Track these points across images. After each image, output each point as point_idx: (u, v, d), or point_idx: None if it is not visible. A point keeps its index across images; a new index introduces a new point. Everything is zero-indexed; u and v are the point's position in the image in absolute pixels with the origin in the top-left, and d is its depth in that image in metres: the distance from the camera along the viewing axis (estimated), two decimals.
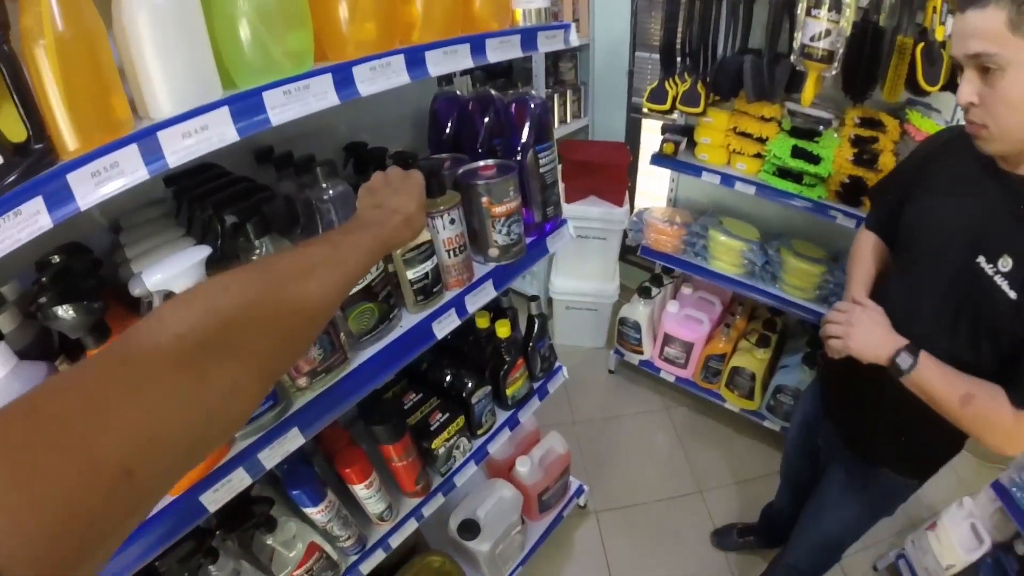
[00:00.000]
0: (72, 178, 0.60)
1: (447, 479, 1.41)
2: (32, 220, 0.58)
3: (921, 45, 1.44)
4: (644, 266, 2.87)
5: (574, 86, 2.75)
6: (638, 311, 2.44)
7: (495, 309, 1.50)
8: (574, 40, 1.07)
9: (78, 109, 0.61)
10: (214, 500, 0.85)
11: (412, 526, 1.37)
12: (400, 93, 0.95)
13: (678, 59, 1.82)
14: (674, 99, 1.84)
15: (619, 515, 2.16)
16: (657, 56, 1.90)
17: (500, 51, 0.94)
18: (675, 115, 2.04)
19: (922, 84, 1.45)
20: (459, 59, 0.89)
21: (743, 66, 1.65)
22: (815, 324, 1.99)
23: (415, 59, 0.84)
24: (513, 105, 1.22)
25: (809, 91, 1.55)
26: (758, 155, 1.83)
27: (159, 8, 0.64)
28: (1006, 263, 0.97)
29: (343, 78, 0.78)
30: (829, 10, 1.42)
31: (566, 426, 2.47)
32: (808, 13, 1.45)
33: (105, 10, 0.64)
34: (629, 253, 2.70)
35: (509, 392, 1.50)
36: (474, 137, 1.29)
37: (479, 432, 1.46)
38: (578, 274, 2.69)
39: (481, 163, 1.18)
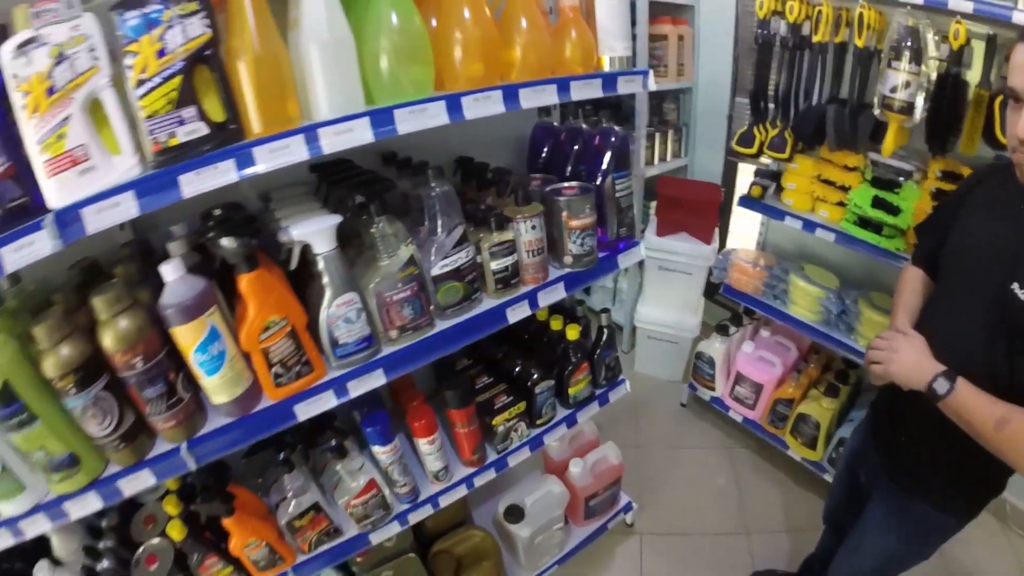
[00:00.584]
0: (256, 151, 0.89)
1: (501, 457, 1.62)
2: (224, 174, 0.89)
3: (1000, 97, 1.48)
4: (730, 307, 2.97)
5: (676, 126, 2.94)
6: (714, 347, 2.56)
7: (569, 315, 1.71)
8: (651, 85, 1.28)
9: (264, 106, 0.91)
10: (304, 411, 1.13)
11: (462, 491, 1.58)
12: (505, 119, 1.20)
13: (770, 106, 1.97)
14: (761, 144, 1.99)
15: (663, 540, 2.26)
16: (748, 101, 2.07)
17: (583, 91, 1.18)
18: (767, 160, 2.18)
19: (1000, 137, 1.49)
20: (547, 96, 1.13)
21: (826, 115, 1.78)
22: None
23: (510, 94, 1.09)
24: (597, 137, 1.45)
25: (890, 142, 1.65)
26: (840, 203, 1.93)
27: (324, 42, 0.93)
28: None
29: (453, 105, 1.04)
30: (909, 62, 1.53)
31: (630, 448, 2.59)
32: (889, 65, 1.56)
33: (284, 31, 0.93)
34: (716, 293, 2.82)
35: (571, 391, 1.69)
36: (564, 162, 1.53)
37: (538, 422, 1.66)
38: (663, 306, 2.86)
39: (565, 183, 1.40)
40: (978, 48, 1.56)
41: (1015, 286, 1.04)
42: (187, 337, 0.99)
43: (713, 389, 2.63)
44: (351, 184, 1.20)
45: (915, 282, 1.40)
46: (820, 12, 1.73)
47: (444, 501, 1.57)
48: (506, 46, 1.14)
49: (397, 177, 1.33)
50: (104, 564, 1.28)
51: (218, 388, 1.04)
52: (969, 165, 1.73)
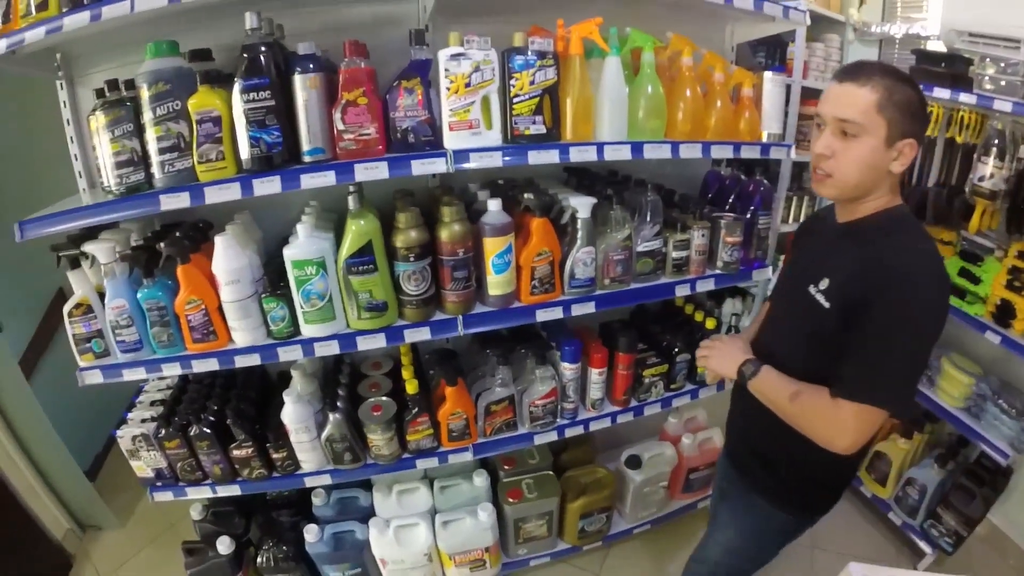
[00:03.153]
0: (572, 148, 1.73)
1: (640, 405, 2.37)
2: (552, 156, 1.71)
3: None
4: None
5: (811, 192, 3.70)
6: None
7: (708, 313, 2.46)
8: (793, 155, 2.08)
9: (575, 125, 1.75)
10: (542, 315, 1.93)
11: (606, 423, 2.33)
12: (689, 165, 2.03)
13: None
14: None
15: None
16: None
17: (748, 152, 1.99)
18: None
19: None
20: (726, 152, 1.96)
21: (928, 195, 2.49)
22: (959, 433, 2.64)
23: (706, 147, 1.91)
24: (751, 184, 2.24)
25: (975, 221, 2.33)
26: None
27: (612, 98, 1.77)
28: (824, 283, 1.37)
29: (674, 148, 1.86)
30: (995, 158, 2.21)
31: None
32: (980, 158, 2.26)
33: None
34: None
35: (700, 370, 2.42)
36: (726, 199, 2.32)
37: (672, 386, 2.41)
38: None
39: (727, 213, 2.19)
40: None
41: (811, 288, 1.40)
42: (494, 246, 1.80)
43: None
44: (600, 182, 2.06)
45: (763, 313, 1.81)
46: (932, 112, 2.46)
47: (593, 427, 2.32)
48: (705, 116, 1.97)
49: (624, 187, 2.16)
50: (339, 404, 2.02)
51: (498, 284, 1.85)
52: None
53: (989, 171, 2.27)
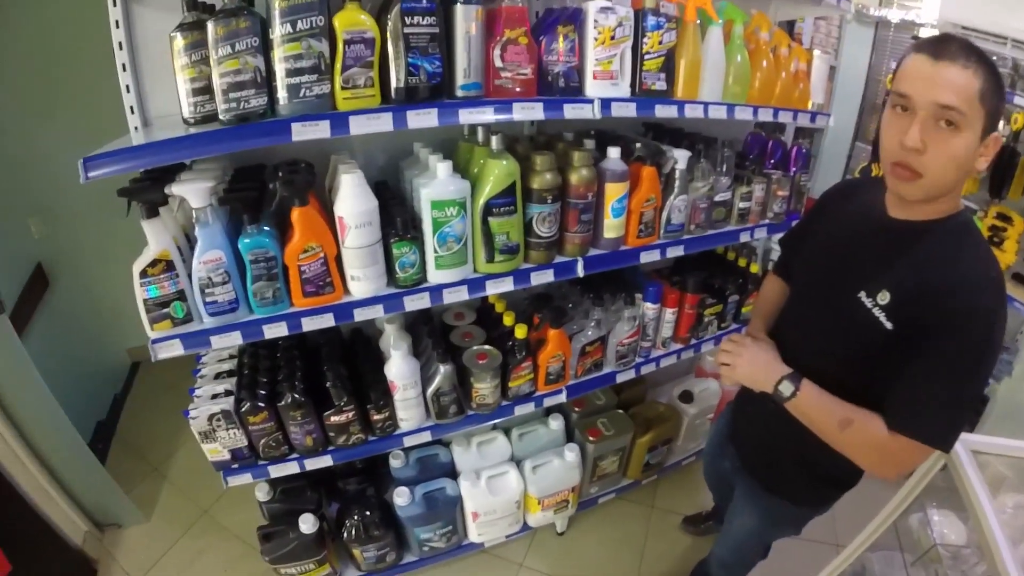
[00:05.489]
0: (687, 106, 2.10)
1: (697, 343, 2.81)
2: (671, 110, 2.07)
3: None
4: None
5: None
6: None
7: (750, 259, 2.93)
8: (832, 123, 2.58)
9: (686, 84, 2.09)
10: (644, 257, 2.28)
11: (672, 360, 2.75)
12: (735, 126, 2.47)
13: None
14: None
15: None
16: (870, 147, 3.38)
17: (801, 119, 2.49)
18: None
19: None
20: (787, 116, 2.43)
21: None
22: None
23: (775, 112, 2.36)
24: (794, 148, 2.73)
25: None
26: None
27: (715, 66, 2.17)
28: (884, 297, 1.23)
29: (755, 112, 2.31)
30: None
31: None
32: None
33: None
34: None
35: (744, 310, 2.88)
36: (766, 159, 2.79)
37: (722, 325, 2.87)
38: None
39: (773, 171, 2.66)
40: None
41: (862, 294, 1.27)
42: (614, 191, 2.02)
43: None
44: (675, 137, 2.49)
45: (772, 290, 1.77)
46: None
47: (663, 363, 2.73)
48: (773, 85, 2.42)
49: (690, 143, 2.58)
50: (430, 352, 2.09)
51: (612, 227, 2.16)
52: (1017, 210, 2.98)
53: None
